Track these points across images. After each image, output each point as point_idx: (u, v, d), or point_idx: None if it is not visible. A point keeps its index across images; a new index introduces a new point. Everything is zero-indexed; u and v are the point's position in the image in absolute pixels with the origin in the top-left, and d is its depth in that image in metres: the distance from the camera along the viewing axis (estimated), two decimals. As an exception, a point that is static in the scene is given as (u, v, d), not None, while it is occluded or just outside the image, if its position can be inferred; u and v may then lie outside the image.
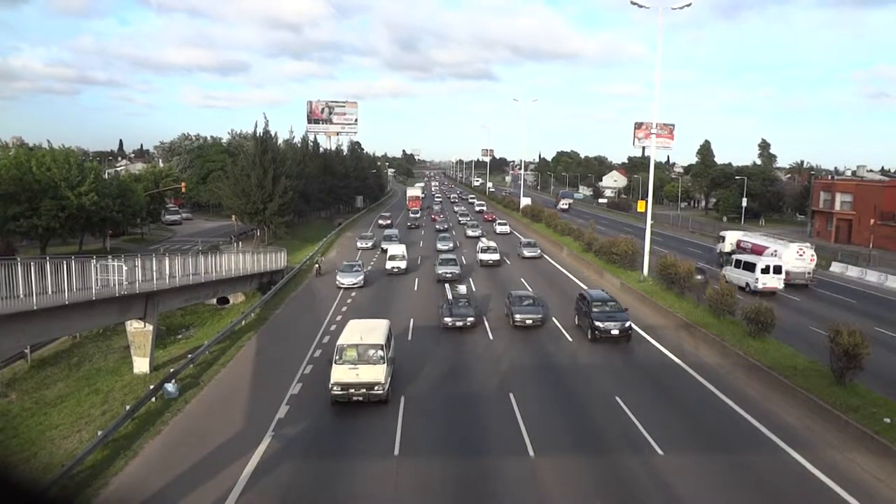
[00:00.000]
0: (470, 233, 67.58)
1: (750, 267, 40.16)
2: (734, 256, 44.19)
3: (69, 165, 49.98)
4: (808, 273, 43.13)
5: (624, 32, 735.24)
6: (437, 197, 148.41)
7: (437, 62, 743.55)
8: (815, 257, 44.38)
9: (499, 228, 73.90)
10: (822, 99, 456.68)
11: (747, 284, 39.66)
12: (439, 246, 54.88)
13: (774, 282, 39.22)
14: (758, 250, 45.14)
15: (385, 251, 50.71)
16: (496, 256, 49.18)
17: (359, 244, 59.64)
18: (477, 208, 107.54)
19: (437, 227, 75.41)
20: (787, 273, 40.70)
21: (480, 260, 49.06)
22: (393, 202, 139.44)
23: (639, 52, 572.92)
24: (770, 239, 49.20)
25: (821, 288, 43.49)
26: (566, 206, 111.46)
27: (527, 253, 52.95)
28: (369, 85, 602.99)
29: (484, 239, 53.28)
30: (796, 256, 43.19)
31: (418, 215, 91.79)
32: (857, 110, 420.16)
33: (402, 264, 45.33)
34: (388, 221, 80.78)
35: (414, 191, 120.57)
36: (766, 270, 39.33)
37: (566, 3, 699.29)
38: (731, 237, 51.02)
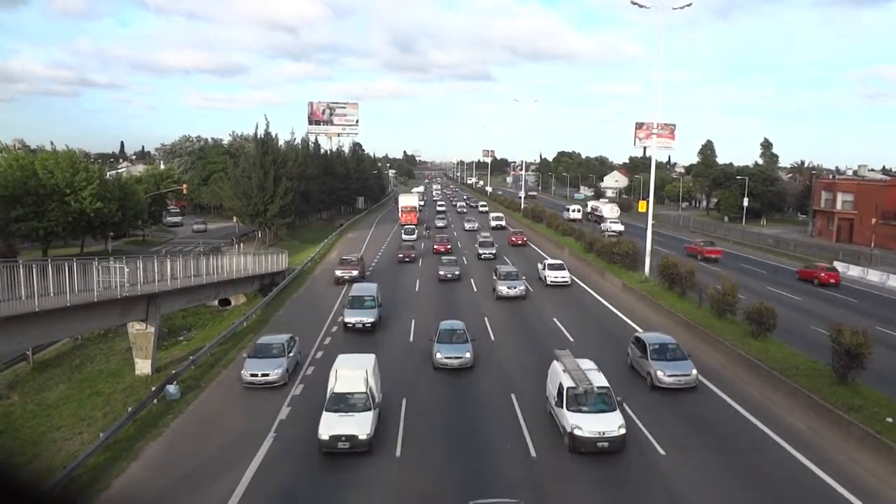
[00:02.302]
0: (504, 290, 36.79)
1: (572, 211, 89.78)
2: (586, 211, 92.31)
3: (74, 170, 50.06)
4: (615, 216, 79.00)
5: (622, 33, 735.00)
6: (440, 204, 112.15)
7: (435, 63, 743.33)
8: (619, 212, 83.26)
9: (551, 276, 41.22)
10: (823, 99, 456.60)
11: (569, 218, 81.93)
12: (442, 357, 24.74)
13: (577, 215, 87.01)
14: (595, 209, 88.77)
15: (348, 327, 30.14)
16: (618, 428, 17.60)
17: (246, 373, 23.15)
18: (493, 222, 78.77)
19: (443, 272, 43.26)
20: (606, 218, 77.98)
21: (577, 438, 17.48)
22: (390, 204, 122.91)
23: (637, 53, 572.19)
24: (603, 203, 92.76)
25: (822, 288, 43.71)
26: (534, 194, 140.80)
27: (667, 377, 22.46)
28: (368, 86, 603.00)
29: (569, 362, 19.89)
30: (610, 210, 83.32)
31: (413, 236, 63.44)
32: (857, 110, 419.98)
33: (365, 429, 17.60)
34: (355, 272, 42.72)
35: (408, 199, 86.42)
36: (573, 211, 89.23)
37: (563, 4, 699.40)
38: (591, 204, 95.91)
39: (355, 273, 42.80)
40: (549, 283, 41.04)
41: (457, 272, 43.45)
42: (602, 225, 73.44)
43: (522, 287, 37.35)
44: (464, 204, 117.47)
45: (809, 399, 20.19)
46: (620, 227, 70.82)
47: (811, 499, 15.52)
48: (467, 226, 77.69)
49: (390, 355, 26.03)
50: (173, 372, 24.05)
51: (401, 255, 52.57)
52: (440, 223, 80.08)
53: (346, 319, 30.54)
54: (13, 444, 20.99)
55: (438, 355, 24.93)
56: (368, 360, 20.62)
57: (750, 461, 17.27)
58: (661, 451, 17.79)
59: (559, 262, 44.16)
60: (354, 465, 17.04)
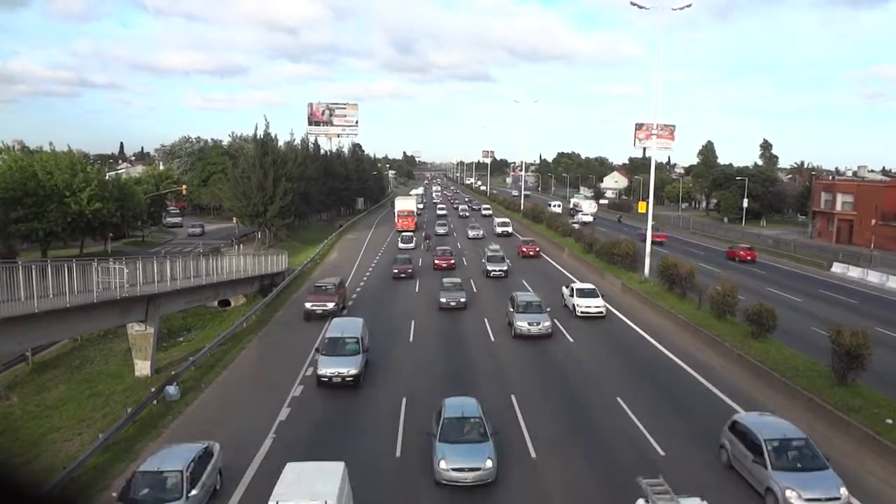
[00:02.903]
0: (525, 327, 28.84)
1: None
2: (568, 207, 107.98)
3: (72, 171, 50.07)
4: (594, 213, 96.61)
5: (620, 34, 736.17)
6: (441, 208, 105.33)
7: (435, 64, 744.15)
8: (597, 207, 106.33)
9: (582, 304, 32.97)
10: (822, 99, 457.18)
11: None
12: (448, 469, 15.73)
13: (557, 209, 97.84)
14: (577, 204, 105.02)
15: (322, 381, 22.58)
16: None
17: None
18: (499, 228, 71.82)
19: (445, 299, 34.83)
20: (585, 213, 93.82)
21: None
22: (389, 205, 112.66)
23: (637, 53, 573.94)
24: (581, 200, 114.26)
25: (822, 289, 43.95)
26: (516, 193, 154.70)
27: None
28: (367, 87, 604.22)
29: None
30: (588, 206, 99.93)
31: (411, 245, 58.35)
32: (857, 111, 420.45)
33: None
34: (331, 304, 32.91)
35: (405, 202, 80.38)
36: (553, 206, 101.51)
37: (562, 4, 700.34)
38: (573, 201, 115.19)
39: (331, 306, 32.57)
40: (579, 313, 32.51)
41: (462, 299, 34.90)
42: (576, 216, 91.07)
43: (548, 322, 28.79)
44: (466, 207, 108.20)
45: (809, 400, 20.20)
46: (590, 219, 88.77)
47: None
48: (471, 233, 69.29)
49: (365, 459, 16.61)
50: (173, 373, 24.04)
51: (395, 271, 45.04)
52: (441, 230, 73.50)
53: (320, 371, 22.45)
54: (13, 445, 20.97)
55: (443, 464, 15.71)
56: (331, 474, 13.33)
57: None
58: None
59: (590, 286, 35.24)
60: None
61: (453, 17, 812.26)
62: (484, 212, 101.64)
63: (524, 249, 55.27)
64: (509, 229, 71.72)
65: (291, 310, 36.41)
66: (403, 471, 16.96)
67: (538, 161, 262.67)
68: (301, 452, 17.78)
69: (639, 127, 68.20)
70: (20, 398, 25.98)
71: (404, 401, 21.49)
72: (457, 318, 33.21)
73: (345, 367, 22.59)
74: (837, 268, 51.40)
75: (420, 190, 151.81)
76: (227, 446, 18.39)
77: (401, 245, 58.10)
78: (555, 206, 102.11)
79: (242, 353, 28.27)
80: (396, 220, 75.97)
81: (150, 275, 26.88)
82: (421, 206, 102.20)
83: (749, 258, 55.69)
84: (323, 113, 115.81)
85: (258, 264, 41.05)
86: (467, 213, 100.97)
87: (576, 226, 70.19)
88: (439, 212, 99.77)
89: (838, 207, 73.51)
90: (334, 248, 63.62)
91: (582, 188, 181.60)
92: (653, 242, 59.13)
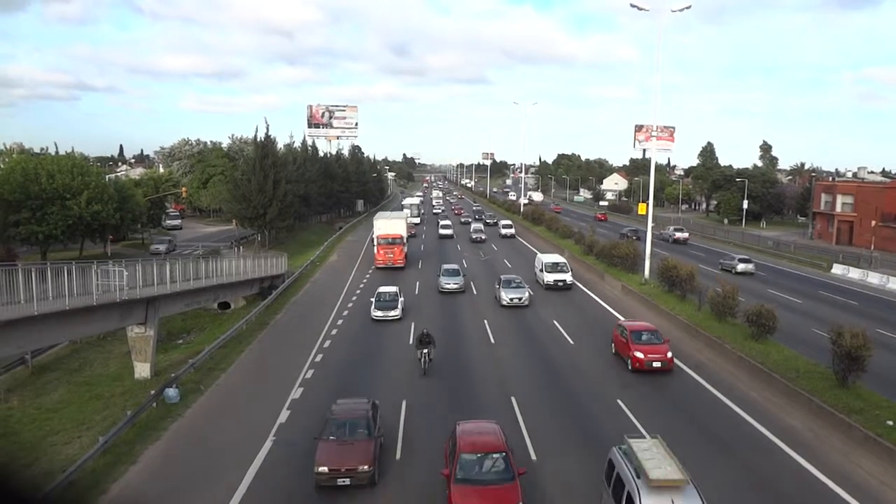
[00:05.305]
0: None
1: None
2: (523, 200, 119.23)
3: (73, 175, 50.01)
4: (540, 200, 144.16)
5: (616, 37, 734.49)
6: (444, 225, 73.61)
7: (431, 67, 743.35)
8: (542, 197, 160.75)
9: None
10: (822, 101, 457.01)
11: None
12: None
13: (513, 197, 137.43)
14: (530, 195, 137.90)
15: None
16: None
17: None
18: (549, 277, 40.80)
19: None
20: (534, 201, 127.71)
21: None
22: (389, 207, 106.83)
23: (633, 57, 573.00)
24: (533, 193, 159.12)
25: (822, 290, 44.00)
26: (497, 190, 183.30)
27: None
28: (365, 90, 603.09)
29: None
30: (536, 196, 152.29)
31: (395, 313, 32.21)
32: (857, 112, 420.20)
33: None
34: None
35: (389, 223, 52.16)
36: (511, 195, 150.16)
37: (555, 8, 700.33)
38: (529, 193, 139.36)
39: None
40: None
41: None
42: (525, 198, 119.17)
43: None
44: (480, 227, 72.25)
45: (810, 401, 20.17)
46: (526, 201, 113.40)
47: (811, 501, 15.48)
48: (506, 297, 35.76)
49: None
50: (172, 375, 23.98)
51: (321, 469, 15.38)
52: (450, 284, 39.85)
53: None
54: (12, 448, 20.92)
55: None
56: None
57: (751, 463, 17.24)
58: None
59: None
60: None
61: (448, 21, 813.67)
62: (503, 230, 71.74)
63: (638, 356, 24.13)
64: (568, 277, 41.19)
65: (291, 311, 36.41)
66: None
67: (538, 162, 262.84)
68: (301, 454, 17.75)
69: (638, 129, 68.29)
70: (20, 401, 25.92)
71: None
72: None
73: None
74: (837, 269, 51.40)
75: (416, 199, 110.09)
76: (227, 449, 18.40)
77: (374, 314, 32.31)
78: (511, 195, 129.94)
79: (242, 355, 28.23)
80: (375, 250, 49.62)
81: (149, 277, 26.87)
82: (417, 220, 78.30)
83: (602, 219, 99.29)
84: (322, 115, 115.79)
85: (258, 267, 41.04)
86: (482, 236, 67.99)
87: (525, 201, 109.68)
88: (443, 230, 71.44)
89: (838, 209, 73.54)
90: (334, 250, 63.54)
91: (582, 189, 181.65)
92: (556, 213, 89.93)
